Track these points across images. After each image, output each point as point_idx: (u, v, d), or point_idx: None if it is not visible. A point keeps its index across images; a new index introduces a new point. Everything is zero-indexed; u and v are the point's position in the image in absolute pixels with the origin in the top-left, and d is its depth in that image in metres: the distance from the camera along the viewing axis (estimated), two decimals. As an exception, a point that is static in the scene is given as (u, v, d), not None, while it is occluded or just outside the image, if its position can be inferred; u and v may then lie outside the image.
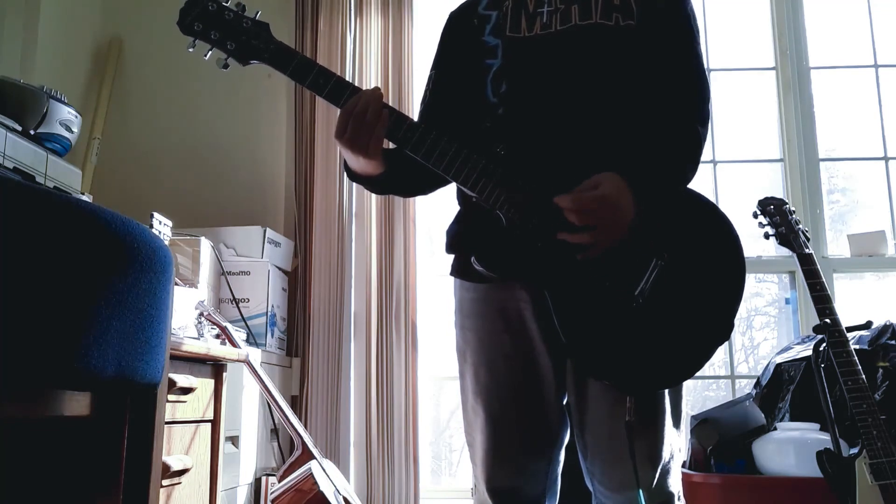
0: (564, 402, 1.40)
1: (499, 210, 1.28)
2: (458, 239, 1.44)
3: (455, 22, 1.52)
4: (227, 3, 1.29)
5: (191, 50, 1.30)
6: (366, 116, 1.26)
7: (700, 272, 1.30)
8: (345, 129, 1.28)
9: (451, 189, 1.48)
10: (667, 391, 1.34)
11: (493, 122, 1.36)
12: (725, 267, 1.32)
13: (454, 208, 1.48)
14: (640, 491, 1.27)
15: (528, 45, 1.38)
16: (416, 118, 1.42)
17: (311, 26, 2.99)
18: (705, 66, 1.41)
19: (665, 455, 1.32)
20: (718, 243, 1.33)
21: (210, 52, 1.30)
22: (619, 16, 1.35)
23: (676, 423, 1.36)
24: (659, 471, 1.31)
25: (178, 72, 3.04)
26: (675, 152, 1.34)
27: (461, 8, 1.53)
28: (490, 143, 1.29)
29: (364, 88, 1.31)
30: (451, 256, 1.46)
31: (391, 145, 1.33)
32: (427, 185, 1.52)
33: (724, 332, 1.30)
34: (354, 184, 2.87)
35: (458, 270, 1.44)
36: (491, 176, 1.27)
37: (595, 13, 1.36)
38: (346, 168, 1.41)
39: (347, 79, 2.90)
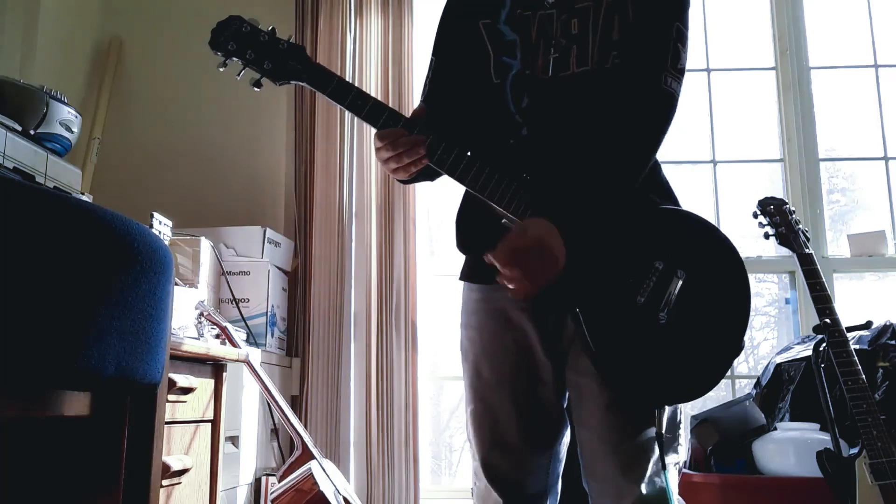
0: (566, 404, 1.41)
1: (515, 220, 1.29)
2: (469, 239, 1.45)
3: (456, 11, 1.50)
4: (259, 25, 1.32)
5: (221, 69, 1.33)
6: (405, 155, 1.30)
7: (715, 293, 1.34)
8: (385, 159, 1.32)
9: (451, 190, 1.48)
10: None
11: (518, 142, 1.37)
12: (736, 288, 1.36)
13: (455, 208, 1.49)
14: (670, 495, 1.30)
15: (539, 81, 1.37)
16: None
17: (311, 26, 2.98)
18: (670, 86, 1.33)
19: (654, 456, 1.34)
20: (728, 267, 1.36)
21: (243, 72, 1.32)
22: (615, 54, 1.34)
23: (672, 425, 1.38)
24: (653, 472, 1.33)
25: (178, 72, 3.04)
26: (608, 173, 1.30)
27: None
28: (517, 165, 1.31)
29: (396, 110, 1.33)
30: (452, 257, 1.48)
31: None
32: None
33: (736, 348, 1.35)
34: (354, 184, 2.91)
35: (467, 274, 1.47)
36: (522, 199, 1.29)
37: (591, 57, 1.34)
38: None
39: (347, 79, 2.91)
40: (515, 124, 1.38)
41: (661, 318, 1.29)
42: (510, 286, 1.25)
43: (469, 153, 1.29)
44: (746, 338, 1.36)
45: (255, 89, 1.33)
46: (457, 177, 1.30)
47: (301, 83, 1.32)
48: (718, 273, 1.36)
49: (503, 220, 1.31)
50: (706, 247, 1.37)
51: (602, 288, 1.29)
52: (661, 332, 1.30)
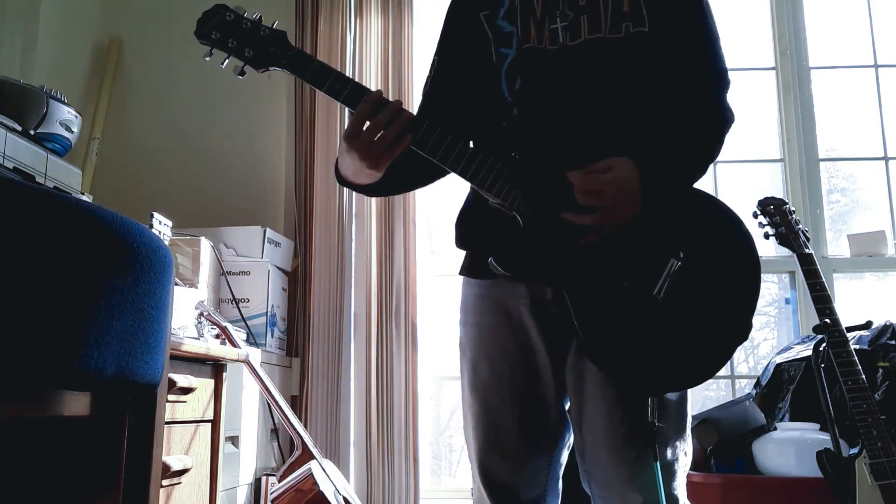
0: (568, 405, 1.39)
1: (515, 212, 1.29)
2: (468, 236, 1.44)
3: (460, 8, 1.50)
4: (243, 13, 1.32)
5: (207, 59, 1.33)
6: (386, 129, 1.25)
7: (717, 273, 1.30)
8: (357, 134, 1.27)
9: (451, 189, 1.48)
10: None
11: (509, 123, 1.37)
12: (741, 267, 1.31)
13: (455, 207, 1.49)
14: (662, 496, 1.27)
15: (541, 54, 1.38)
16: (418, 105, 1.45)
17: (311, 26, 2.98)
18: (725, 67, 1.41)
19: (667, 457, 1.31)
20: (733, 243, 1.33)
21: (227, 61, 1.32)
22: (630, 24, 1.35)
23: (681, 426, 1.35)
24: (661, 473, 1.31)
25: (178, 72, 3.04)
26: (690, 150, 1.35)
27: None
28: (506, 145, 1.30)
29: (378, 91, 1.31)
30: (452, 257, 1.47)
31: None
32: (412, 185, 1.58)
33: (742, 332, 1.30)
34: (354, 184, 2.91)
35: (466, 268, 1.45)
36: (507, 179, 1.28)
37: (605, 26, 1.35)
38: (337, 170, 1.41)
39: (347, 79, 2.91)
40: (507, 106, 1.37)
41: (656, 301, 1.26)
42: (585, 222, 1.25)
43: (453, 135, 1.28)
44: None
45: (240, 77, 1.32)
46: (439, 158, 1.27)
47: (281, 69, 1.31)
48: (724, 255, 1.32)
49: (491, 202, 1.30)
50: (712, 226, 1.34)
51: (592, 268, 1.27)
52: (655, 315, 1.26)
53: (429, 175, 1.48)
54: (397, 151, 1.27)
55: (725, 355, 1.30)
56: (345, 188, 2.84)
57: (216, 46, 1.30)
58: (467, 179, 1.30)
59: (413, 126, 1.27)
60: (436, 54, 1.53)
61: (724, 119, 1.40)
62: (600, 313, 1.27)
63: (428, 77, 1.52)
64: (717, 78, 1.40)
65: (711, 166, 3.09)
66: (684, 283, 1.27)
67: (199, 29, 1.30)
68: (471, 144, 1.29)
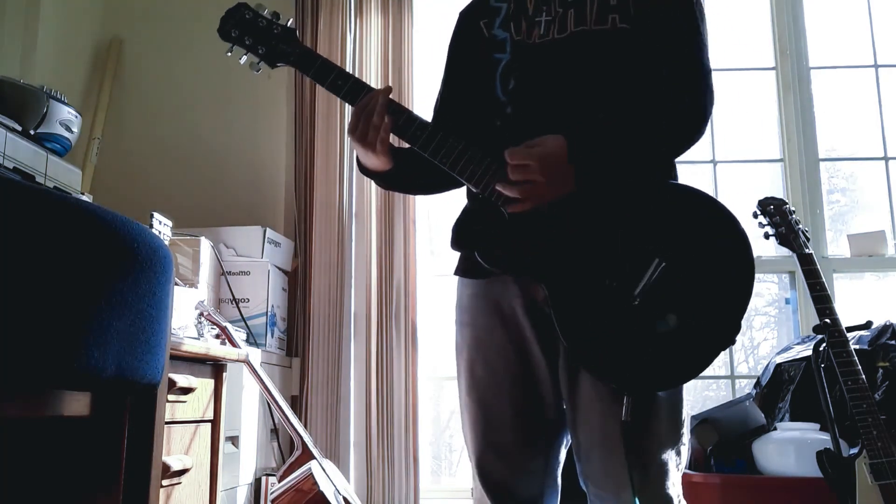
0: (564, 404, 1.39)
1: (501, 206, 1.30)
2: (463, 236, 1.45)
3: (465, 19, 1.54)
4: (263, 11, 1.40)
5: (228, 54, 1.41)
6: (372, 116, 1.33)
7: (706, 275, 1.28)
8: (356, 126, 1.36)
9: (453, 190, 1.49)
10: (663, 392, 1.33)
11: (503, 122, 1.38)
12: (733, 271, 1.29)
13: (456, 208, 1.49)
14: (635, 497, 1.26)
15: (531, 49, 1.40)
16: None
17: (311, 26, 2.98)
18: (708, 63, 1.38)
19: (661, 457, 1.31)
20: (726, 245, 1.31)
21: (245, 57, 1.40)
22: (616, 17, 1.35)
23: (674, 425, 1.34)
24: (654, 473, 1.30)
25: (178, 72, 3.04)
26: (639, 130, 1.33)
27: (471, 5, 1.54)
28: (498, 142, 1.32)
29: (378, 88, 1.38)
30: (452, 257, 1.48)
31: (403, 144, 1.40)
32: (433, 187, 1.57)
33: (728, 336, 1.28)
34: (354, 184, 2.92)
35: (461, 269, 1.46)
36: (495, 174, 1.30)
37: (590, 18, 1.36)
38: (358, 162, 1.47)
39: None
40: (501, 105, 1.39)
41: (635, 300, 1.25)
42: (520, 192, 1.27)
43: (442, 132, 1.32)
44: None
45: (255, 72, 1.41)
46: (429, 153, 1.32)
47: (289, 65, 1.40)
48: (716, 256, 1.30)
49: (479, 195, 1.32)
50: (706, 227, 1.32)
51: (576, 263, 1.28)
52: (638, 315, 1.25)
53: (437, 182, 1.50)
54: (386, 135, 1.35)
55: (707, 358, 1.28)
56: (346, 187, 2.91)
57: (235, 43, 1.39)
58: (455, 173, 1.32)
59: (395, 111, 1.34)
60: (444, 73, 1.56)
61: (695, 111, 1.36)
62: (582, 314, 1.27)
63: (437, 97, 1.56)
64: (699, 76, 1.37)
65: (712, 166, 3.13)
66: (670, 284, 1.26)
67: (221, 27, 1.39)
68: (459, 141, 1.32)
